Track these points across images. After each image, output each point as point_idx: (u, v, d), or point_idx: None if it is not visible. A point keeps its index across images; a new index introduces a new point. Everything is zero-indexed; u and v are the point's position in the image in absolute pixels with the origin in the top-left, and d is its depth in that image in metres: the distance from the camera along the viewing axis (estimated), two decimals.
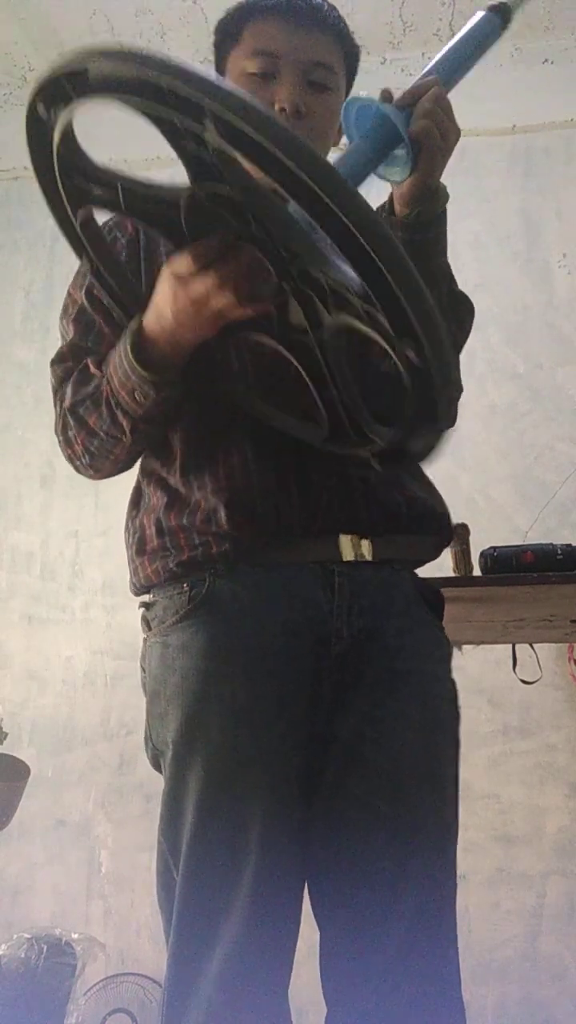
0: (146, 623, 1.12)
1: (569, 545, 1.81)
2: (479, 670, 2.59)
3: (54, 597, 2.91)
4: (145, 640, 1.12)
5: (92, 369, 1.10)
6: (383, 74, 3.26)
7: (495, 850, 2.50)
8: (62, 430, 1.14)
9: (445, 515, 1.24)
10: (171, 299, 0.93)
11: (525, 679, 2.31)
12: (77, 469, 1.18)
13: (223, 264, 0.86)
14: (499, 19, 1.05)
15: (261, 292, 0.87)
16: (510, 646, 2.37)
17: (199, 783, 0.98)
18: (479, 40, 1.03)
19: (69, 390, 1.12)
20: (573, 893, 2.47)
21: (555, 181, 3.11)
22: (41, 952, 2.23)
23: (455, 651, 2.45)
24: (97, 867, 2.66)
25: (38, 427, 3.11)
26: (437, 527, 1.21)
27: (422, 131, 1.03)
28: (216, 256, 0.86)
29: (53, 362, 1.20)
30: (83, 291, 1.22)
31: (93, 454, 1.12)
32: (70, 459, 1.16)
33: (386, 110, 0.98)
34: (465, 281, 3.21)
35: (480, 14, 1.03)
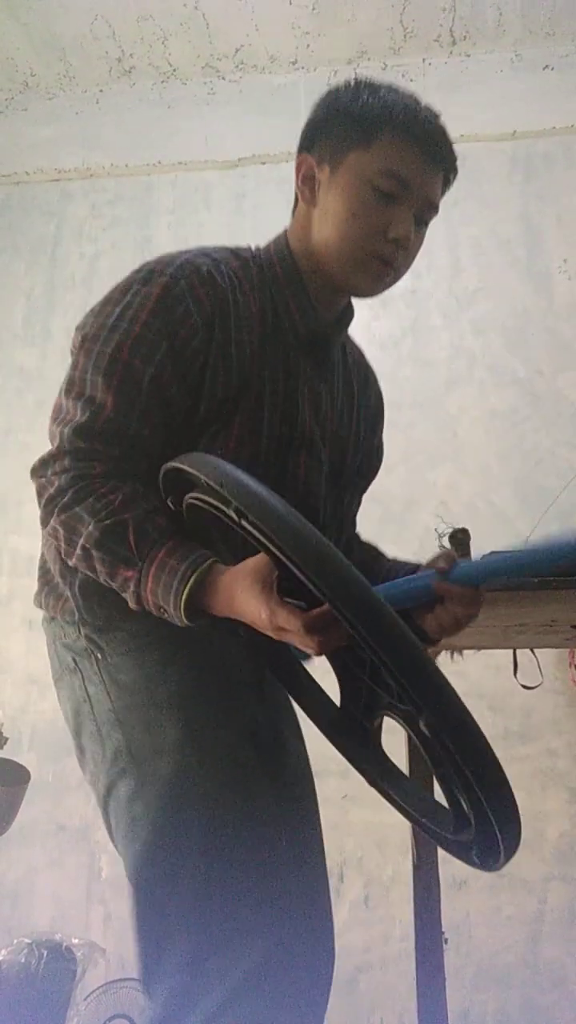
0: (94, 645, 1.08)
1: None
2: (480, 675, 2.59)
3: None
4: (93, 660, 1.08)
5: (131, 538, 0.95)
6: (384, 79, 3.26)
7: None
8: (64, 537, 1.00)
9: None
10: (255, 617, 0.88)
11: (526, 684, 2.31)
12: (58, 550, 1.06)
13: (323, 633, 0.85)
14: None
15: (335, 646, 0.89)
16: (511, 651, 2.37)
17: (216, 786, 0.99)
18: (555, 558, 1.00)
19: (94, 528, 0.96)
20: (574, 899, 2.46)
21: (555, 187, 3.12)
22: (41, 957, 2.23)
23: (456, 656, 2.45)
24: (97, 872, 2.66)
25: (39, 431, 3.10)
26: None
27: (439, 629, 1.06)
28: (322, 628, 0.84)
29: (75, 432, 1.02)
30: (147, 363, 1.04)
31: (90, 568, 1.01)
32: (58, 550, 1.05)
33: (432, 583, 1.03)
34: (465, 286, 3.23)
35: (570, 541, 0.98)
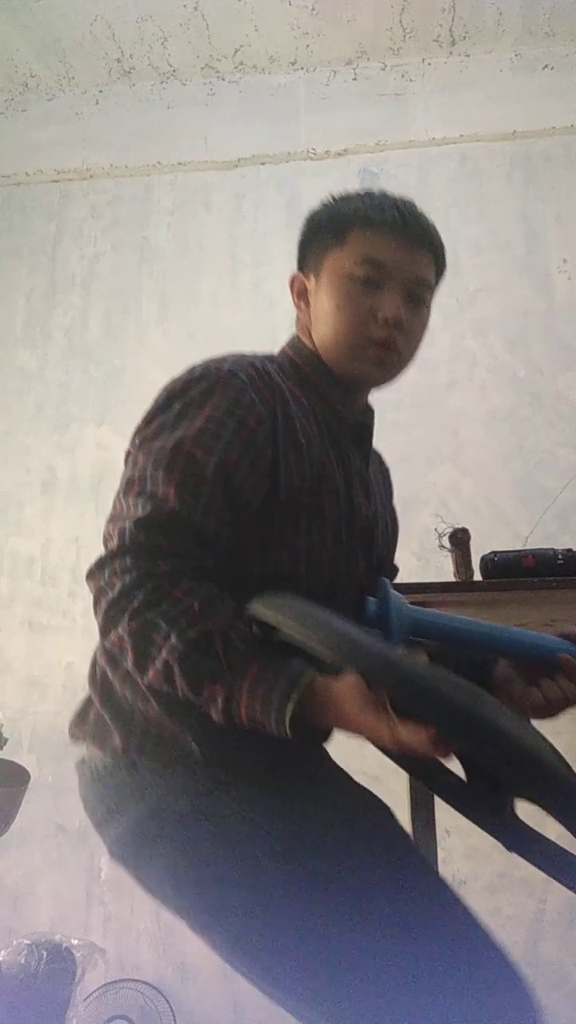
0: (219, 782, 0.99)
1: (569, 550, 1.81)
2: None
3: (55, 603, 2.91)
4: (221, 797, 0.98)
5: (219, 651, 0.88)
6: (383, 80, 3.27)
7: (496, 856, 2.49)
8: (137, 649, 0.91)
9: None
10: (376, 734, 0.83)
11: None
12: (122, 666, 0.98)
13: (447, 746, 0.81)
14: None
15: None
16: None
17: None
18: None
19: (177, 640, 0.88)
20: (574, 899, 2.46)
21: (556, 187, 3.12)
22: (41, 958, 2.23)
23: None
24: (97, 873, 2.66)
25: (39, 433, 3.11)
26: None
27: (543, 705, 1.06)
28: (445, 742, 0.81)
29: (136, 526, 0.95)
30: (210, 452, 0.99)
31: (167, 682, 0.92)
32: (123, 665, 0.98)
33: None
34: (466, 286, 3.23)
35: None
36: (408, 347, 1.18)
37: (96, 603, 0.95)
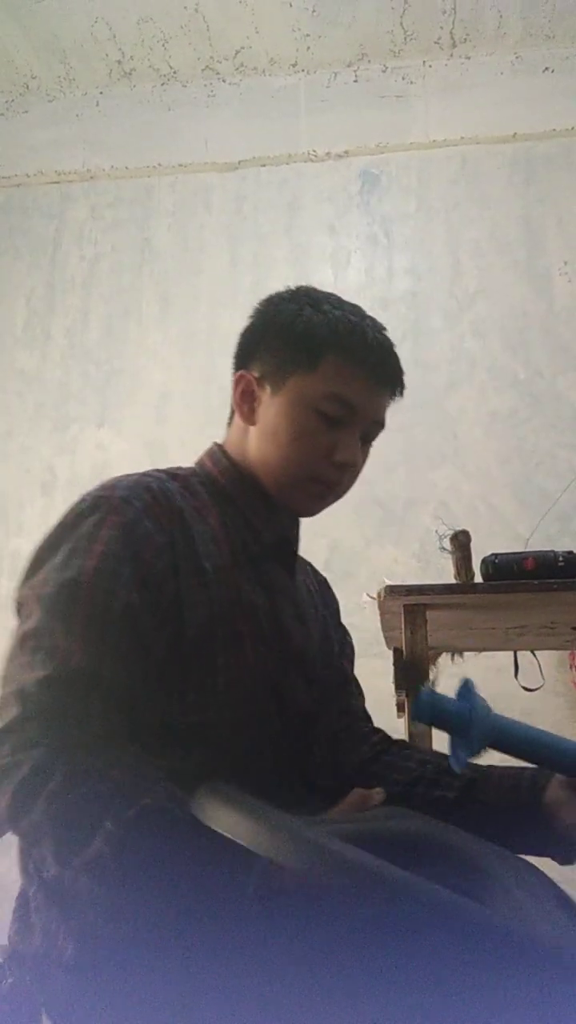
0: None
1: (570, 552, 1.80)
2: (480, 677, 2.57)
3: None
4: None
5: (165, 836, 0.73)
6: (384, 82, 3.27)
7: None
8: (59, 844, 0.75)
9: None
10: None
11: (527, 686, 2.31)
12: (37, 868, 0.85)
13: None
14: None
15: None
16: (511, 653, 2.37)
17: None
18: None
19: (114, 826, 0.73)
20: (574, 899, 2.45)
21: (556, 189, 3.12)
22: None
23: (457, 658, 2.44)
24: None
25: (39, 433, 3.12)
26: None
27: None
28: None
29: (38, 689, 0.80)
30: (111, 596, 0.87)
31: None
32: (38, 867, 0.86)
33: None
34: (466, 288, 3.23)
35: None
36: (349, 486, 1.09)
37: None
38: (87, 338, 3.21)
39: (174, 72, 3.37)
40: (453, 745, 0.93)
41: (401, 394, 1.11)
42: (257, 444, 1.07)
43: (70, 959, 0.81)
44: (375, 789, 0.92)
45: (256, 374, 1.08)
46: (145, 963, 0.77)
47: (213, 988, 0.75)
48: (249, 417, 1.08)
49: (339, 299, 1.10)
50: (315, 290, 1.11)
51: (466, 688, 0.97)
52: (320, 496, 1.07)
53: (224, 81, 3.39)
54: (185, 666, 0.91)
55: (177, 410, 3.08)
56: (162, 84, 3.42)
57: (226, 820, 0.71)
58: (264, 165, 3.29)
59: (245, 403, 1.08)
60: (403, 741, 1.16)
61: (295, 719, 1.00)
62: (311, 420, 1.03)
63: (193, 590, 0.94)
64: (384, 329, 1.10)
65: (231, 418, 1.14)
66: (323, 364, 1.03)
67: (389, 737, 1.18)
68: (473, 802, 1.03)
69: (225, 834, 0.69)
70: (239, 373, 1.10)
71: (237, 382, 1.10)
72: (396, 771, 1.07)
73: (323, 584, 1.27)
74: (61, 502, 3.01)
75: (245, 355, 1.11)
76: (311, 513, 1.10)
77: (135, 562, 0.90)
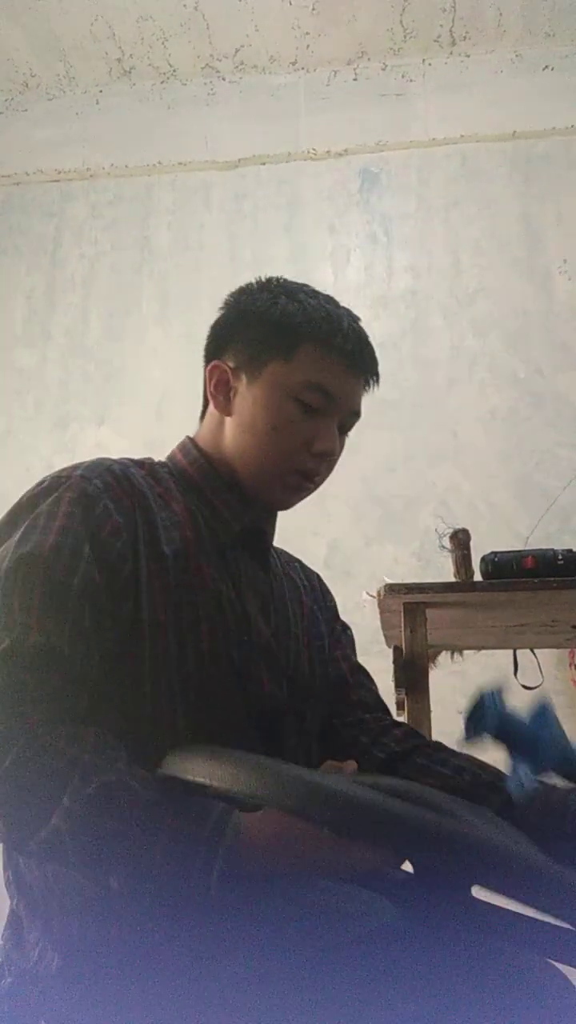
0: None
1: (570, 550, 1.81)
2: (480, 675, 2.59)
3: None
4: None
5: (127, 812, 0.72)
6: (384, 80, 3.27)
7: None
8: (16, 821, 0.74)
9: None
10: (330, 863, 0.71)
11: (526, 684, 2.31)
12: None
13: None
14: None
15: None
16: (511, 651, 2.37)
17: None
18: None
19: (70, 801, 0.71)
20: None
21: (556, 187, 3.12)
22: None
23: (456, 656, 2.44)
24: None
25: (39, 432, 3.12)
26: None
27: None
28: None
29: (0, 659, 0.80)
30: (70, 573, 0.86)
31: (59, 858, 0.75)
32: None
33: None
34: (466, 287, 3.23)
35: None
36: (326, 476, 1.08)
37: None
38: (87, 337, 3.21)
39: (174, 70, 3.37)
40: (514, 765, 0.89)
41: (377, 384, 1.10)
42: (233, 435, 1.06)
43: (57, 972, 0.80)
44: (347, 762, 0.91)
45: (231, 364, 1.06)
46: (131, 969, 0.77)
47: (205, 990, 0.75)
48: (225, 408, 1.07)
49: (313, 289, 1.09)
50: (288, 281, 1.11)
51: (544, 710, 0.93)
52: (297, 488, 1.06)
53: (224, 79, 3.39)
54: (138, 651, 0.89)
55: (177, 409, 3.08)
56: (162, 82, 3.41)
57: (204, 767, 0.71)
58: (264, 163, 3.29)
59: (220, 393, 1.07)
60: (437, 743, 1.12)
61: (262, 710, 0.98)
62: (289, 409, 1.02)
63: (152, 574, 0.92)
64: (359, 320, 1.09)
65: (204, 411, 1.13)
66: (300, 352, 1.02)
67: (415, 732, 1.14)
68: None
69: (203, 781, 0.69)
70: (213, 363, 1.08)
71: (211, 372, 1.08)
72: (429, 776, 1.04)
73: (315, 579, 1.25)
74: None
75: (218, 346, 1.10)
76: (287, 506, 1.09)
77: (93, 540, 0.89)
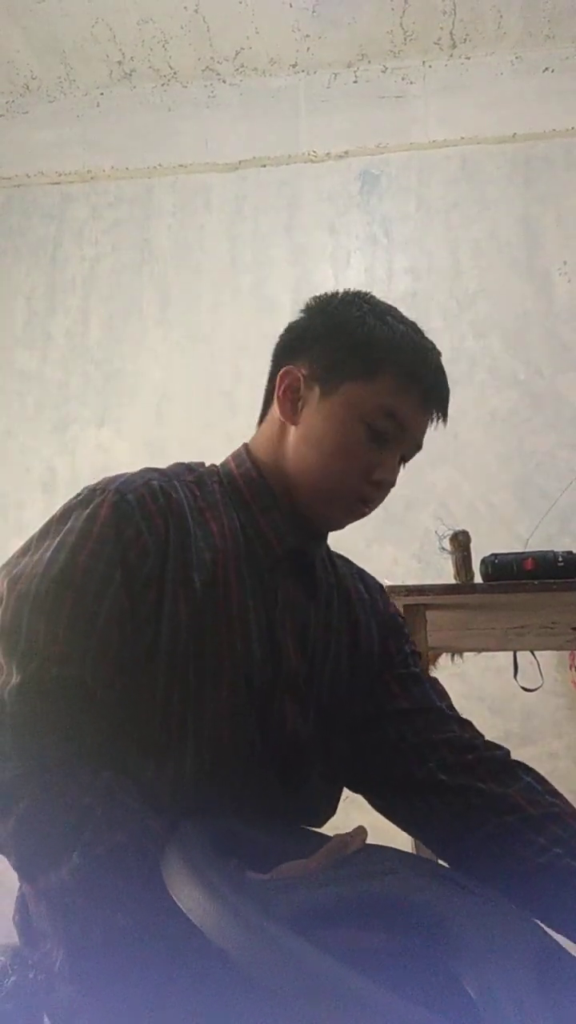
0: None
1: (570, 552, 1.80)
2: (480, 677, 2.59)
3: None
4: None
5: (134, 875, 0.71)
6: (384, 82, 3.27)
7: None
8: (28, 861, 0.75)
9: None
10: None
11: (526, 686, 2.31)
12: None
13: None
14: None
15: None
16: (511, 653, 2.37)
17: None
18: None
19: (81, 858, 0.71)
20: None
21: (556, 189, 3.13)
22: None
23: (456, 658, 2.44)
24: None
25: (39, 433, 3.12)
26: None
27: None
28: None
29: (16, 696, 0.78)
30: (99, 599, 0.84)
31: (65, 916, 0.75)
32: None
33: None
34: (466, 288, 3.23)
35: None
36: (379, 503, 1.07)
37: None
38: (87, 338, 3.21)
39: (174, 73, 3.38)
40: None
41: (444, 422, 1.09)
42: (296, 447, 1.02)
43: (63, 967, 0.80)
44: (357, 828, 0.87)
45: (304, 372, 1.02)
46: (136, 967, 0.77)
47: (206, 989, 0.74)
48: (291, 416, 1.03)
49: (401, 314, 1.07)
50: (375, 298, 1.07)
51: None
52: (352, 512, 1.04)
53: (224, 81, 3.39)
54: (153, 681, 0.87)
55: (177, 410, 3.08)
56: (162, 85, 3.42)
57: (185, 895, 0.69)
58: (264, 165, 3.29)
59: (288, 400, 1.03)
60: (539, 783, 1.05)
61: (281, 741, 0.94)
62: (359, 432, 0.99)
63: (176, 600, 0.89)
64: (441, 354, 1.07)
65: (263, 414, 1.09)
66: (381, 376, 0.99)
67: (502, 759, 1.09)
68: None
69: (184, 910, 0.66)
70: (286, 368, 1.04)
71: (283, 377, 1.04)
72: (521, 845, 0.94)
73: (376, 591, 1.23)
74: (61, 502, 3.02)
75: (293, 350, 1.05)
76: (339, 527, 1.07)
77: (124, 563, 0.87)
